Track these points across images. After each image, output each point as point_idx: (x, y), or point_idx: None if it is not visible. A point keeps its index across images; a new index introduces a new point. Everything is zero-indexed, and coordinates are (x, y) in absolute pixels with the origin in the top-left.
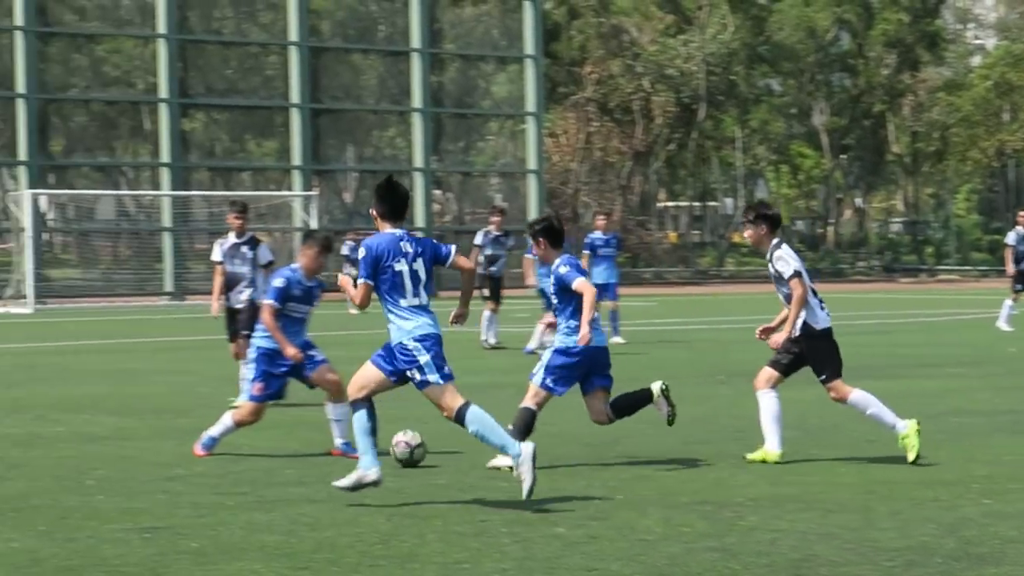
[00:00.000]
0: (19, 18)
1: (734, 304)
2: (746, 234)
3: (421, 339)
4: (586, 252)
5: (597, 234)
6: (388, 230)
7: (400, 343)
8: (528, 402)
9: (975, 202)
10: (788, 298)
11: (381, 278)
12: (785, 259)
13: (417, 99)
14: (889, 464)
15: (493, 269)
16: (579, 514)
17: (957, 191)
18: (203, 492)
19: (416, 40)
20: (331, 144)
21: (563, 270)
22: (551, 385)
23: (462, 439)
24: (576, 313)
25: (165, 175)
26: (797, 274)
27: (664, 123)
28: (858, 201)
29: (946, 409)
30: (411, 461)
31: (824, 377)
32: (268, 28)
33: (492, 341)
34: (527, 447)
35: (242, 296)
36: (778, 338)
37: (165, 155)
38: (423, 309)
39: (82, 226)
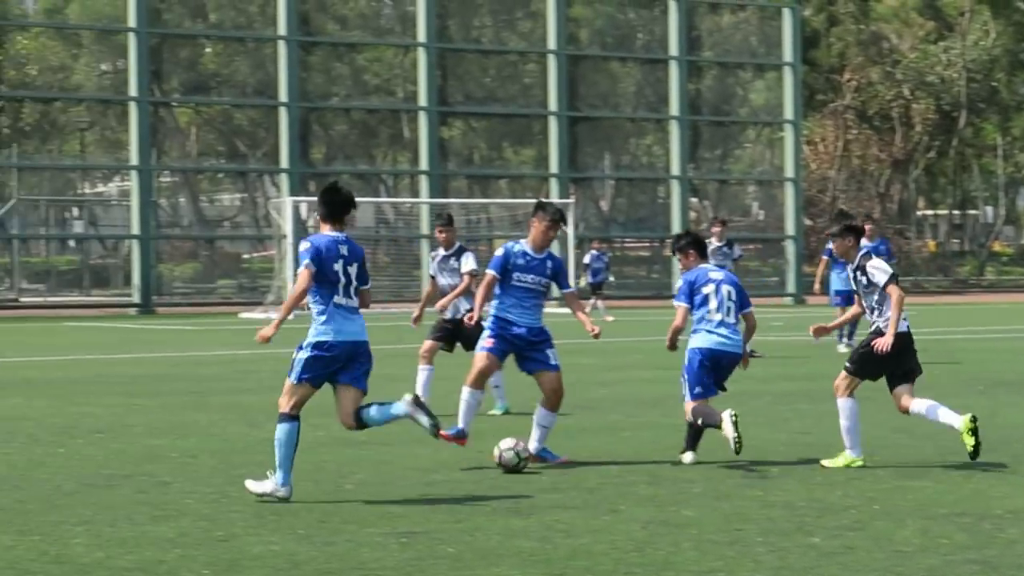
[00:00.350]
0: (282, 28)
1: (994, 314)
2: (832, 246)
3: (318, 345)
4: (824, 257)
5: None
6: (328, 232)
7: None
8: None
9: None
10: (875, 307)
11: (319, 275)
12: (880, 267)
13: (674, 107)
14: None
15: None
16: (835, 524)
17: None
18: (460, 497)
19: (674, 48)
20: (588, 152)
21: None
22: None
23: (719, 449)
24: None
25: (424, 182)
26: (895, 278)
27: (924, 130)
28: None
29: None
30: (516, 468)
31: (911, 373)
32: (527, 36)
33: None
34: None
35: (462, 307)
36: (885, 342)
37: (424, 163)
38: (350, 310)
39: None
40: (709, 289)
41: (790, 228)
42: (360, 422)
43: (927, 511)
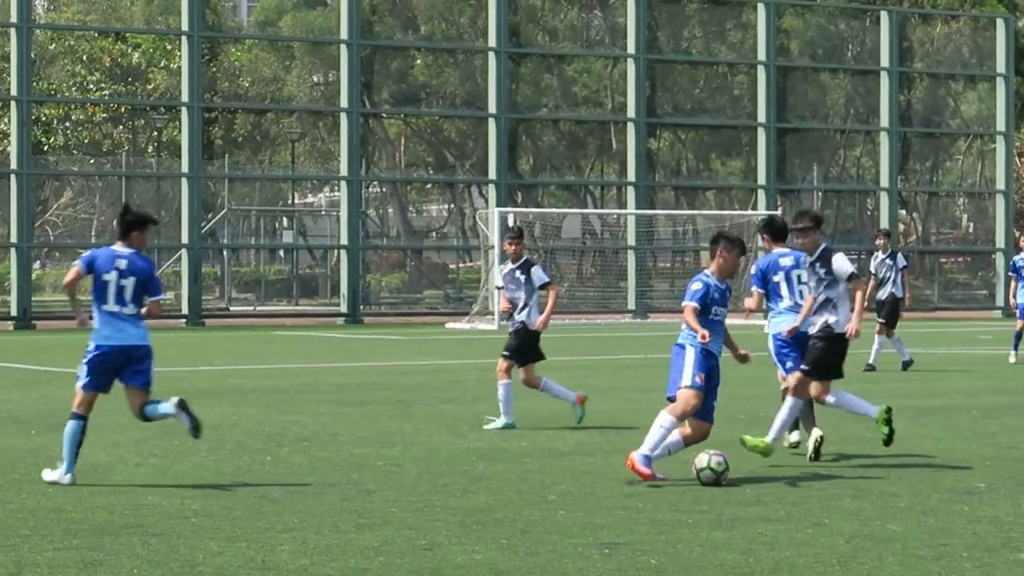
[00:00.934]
0: (492, 39)
1: None
2: (802, 240)
3: (92, 349)
4: (1011, 274)
5: None
6: (115, 247)
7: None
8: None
9: None
10: (828, 299)
11: (94, 283)
12: (847, 260)
13: (884, 118)
14: None
15: (884, 292)
16: None
17: None
18: (662, 509)
19: (885, 59)
20: (796, 163)
21: None
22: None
23: (924, 466)
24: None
25: (630, 193)
26: (858, 275)
27: None
28: None
29: None
30: (716, 480)
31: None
32: (736, 47)
33: (904, 359)
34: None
35: (518, 317)
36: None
37: (631, 174)
38: (123, 318)
39: (548, 244)
40: (779, 277)
41: (1000, 241)
42: (145, 417)
43: None
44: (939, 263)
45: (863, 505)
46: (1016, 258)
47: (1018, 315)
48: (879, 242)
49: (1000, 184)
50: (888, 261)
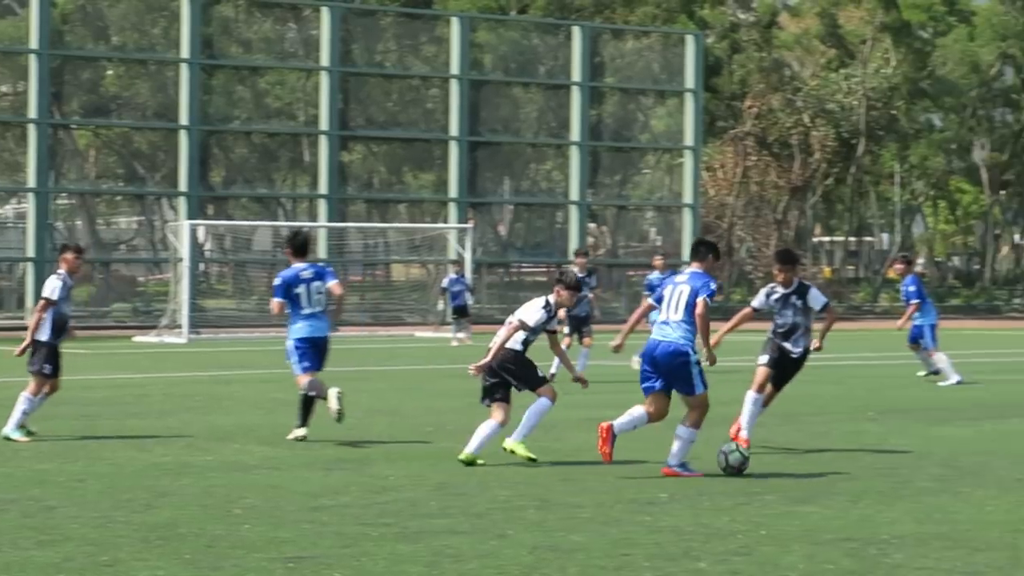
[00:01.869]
0: (185, 51)
1: (887, 340)
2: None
3: None
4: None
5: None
6: None
7: None
8: None
9: None
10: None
11: None
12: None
13: (575, 132)
14: None
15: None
16: (722, 549)
17: None
18: (348, 522)
19: (577, 74)
20: (488, 177)
21: None
22: None
23: (607, 474)
24: None
25: (322, 206)
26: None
27: (822, 157)
28: (1016, 238)
29: None
30: (737, 470)
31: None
32: (430, 61)
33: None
34: None
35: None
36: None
37: (323, 186)
38: None
39: (238, 256)
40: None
41: (687, 254)
42: None
43: (813, 536)
44: (627, 276)
45: (547, 516)
46: (650, 276)
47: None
48: (579, 261)
49: (687, 198)
50: (587, 279)
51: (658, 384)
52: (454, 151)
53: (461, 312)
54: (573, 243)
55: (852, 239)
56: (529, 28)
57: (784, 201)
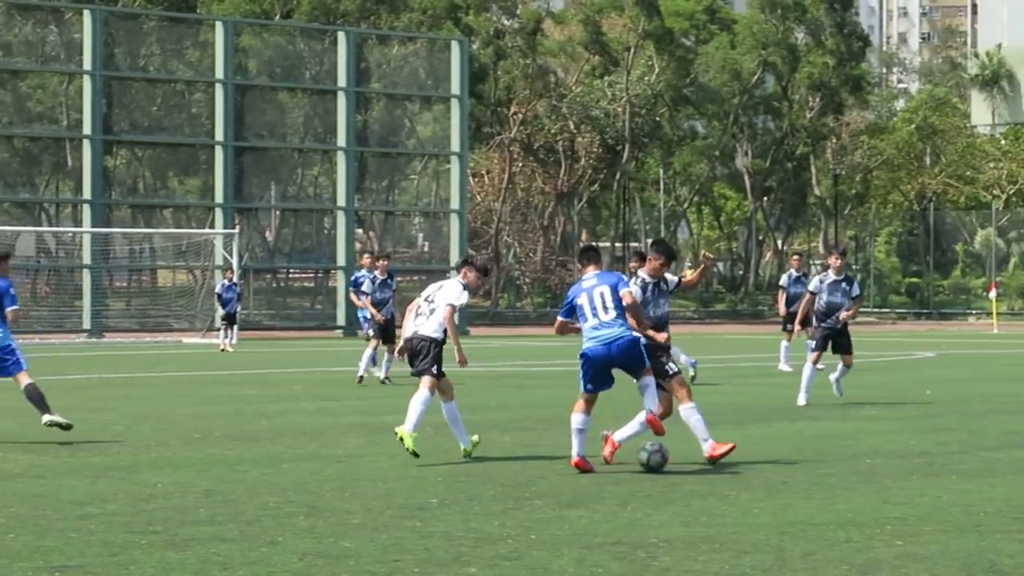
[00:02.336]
0: None
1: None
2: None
3: None
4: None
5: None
6: None
7: None
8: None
9: (895, 245)
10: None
11: None
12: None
13: (342, 138)
14: (802, 505)
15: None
16: (492, 554)
17: (878, 234)
18: (115, 530)
19: (343, 79)
20: (254, 182)
21: None
22: None
23: (379, 479)
24: None
25: (87, 211)
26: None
27: (588, 164)
28: (779, 243)
29: (861, 450)
30: (655, 467)
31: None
32: (195, 66)
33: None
34: None
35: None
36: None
37: (87, 192)
38: None
39: None
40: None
41: (455, 259)
42: None
43: (583, 540)
44: (396, 282)
45: (317, 523)
46: (357, 274)
47: (368, 333)
48: (380, 263)
49: (455, 204)
50: (390, 282)
51: (604, 387)
52: (220, 156)
53: (230, 319)
54: (341, 248)
55: (618, 245)
56: (294, 33)
57: (551, 207)
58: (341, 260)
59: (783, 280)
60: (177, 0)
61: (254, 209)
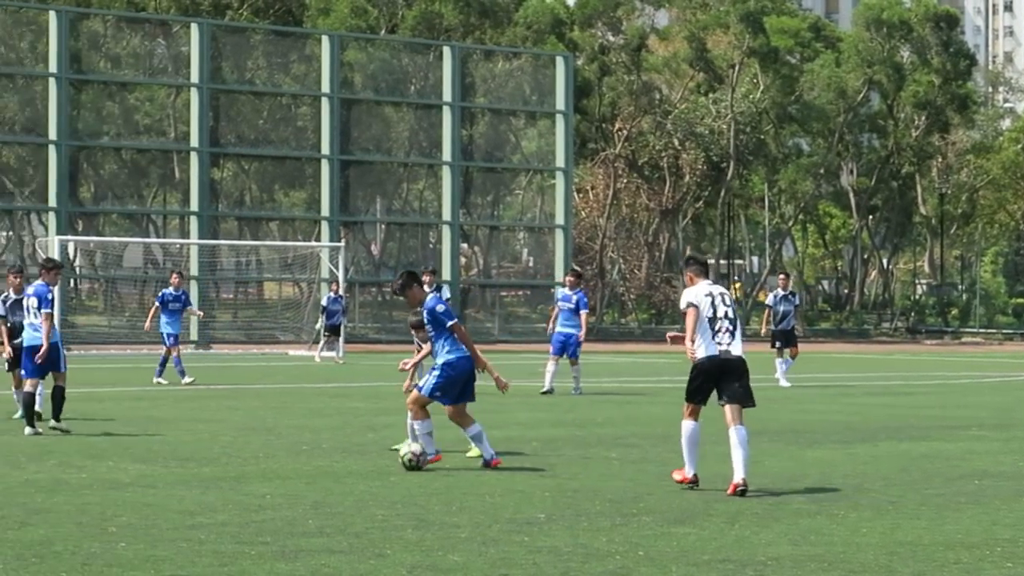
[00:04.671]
0: (53, 65)
1: (755, 362)
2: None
3: None
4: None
5: None
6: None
7: None
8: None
9: (1001, 265)
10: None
11: None
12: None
13: (447, 152)
14: (911, 525)
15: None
16: (601, 570)
17: (984, 253)
18: (225, 541)
19: (447, 94)
20: (360, 196)
21: None
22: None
23: (484, 491)
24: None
25: (193, 223)
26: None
27: (692, 180)
28: (884, 262)
29: (969, 471)
30: (417, 466)
31: None
32: (301, 79)
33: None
34: None
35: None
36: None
37: (194, 204)
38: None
39: (109, 273)
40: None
41: (559, 275)
42: None
43: (691, 557)
44: (500, 296)
45: (425, 536)
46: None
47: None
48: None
49: (559, 219)
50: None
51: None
52: (326, 169)
53: (334, 331)
54: (446, 262)
55: (723, 262)
56: (399, 48)
57: (655, 223)
58: (447, 274)
59: (769, 299)
60: (283, 15)
61: (360, 222)
